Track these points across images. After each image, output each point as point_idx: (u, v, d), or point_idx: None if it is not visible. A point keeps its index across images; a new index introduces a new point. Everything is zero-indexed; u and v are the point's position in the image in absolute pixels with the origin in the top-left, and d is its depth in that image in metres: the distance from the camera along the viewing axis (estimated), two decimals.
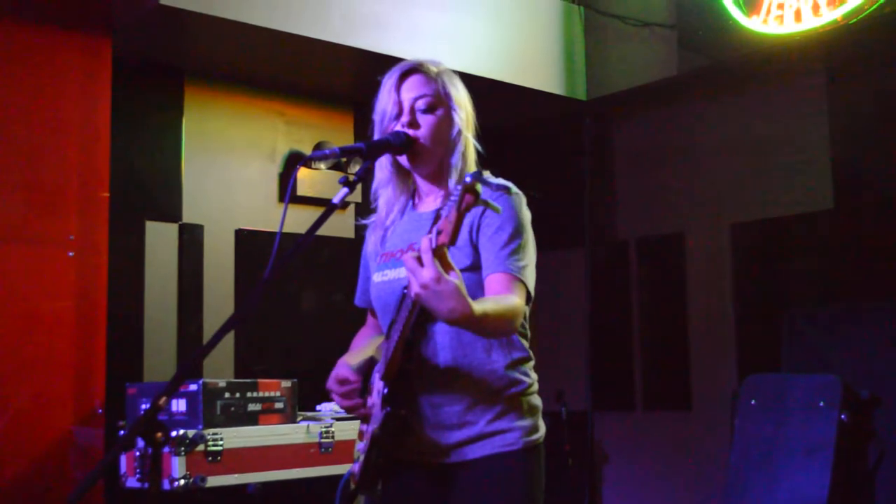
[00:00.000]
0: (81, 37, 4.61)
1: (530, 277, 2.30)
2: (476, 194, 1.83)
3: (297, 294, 5.79)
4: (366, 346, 2.62)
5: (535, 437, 2.41)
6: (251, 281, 5.47)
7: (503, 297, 2.20)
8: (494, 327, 2.16)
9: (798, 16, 5.14)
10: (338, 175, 5.64)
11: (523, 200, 2.40)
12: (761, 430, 4.51)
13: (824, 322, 4.94)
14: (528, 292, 2.28)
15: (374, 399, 2.36)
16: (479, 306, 2.01)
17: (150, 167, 5.30)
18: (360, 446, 2.49)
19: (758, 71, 5.63)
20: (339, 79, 5.72)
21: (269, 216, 5.64)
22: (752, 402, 4.56)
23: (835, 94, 5.46)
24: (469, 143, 2.49)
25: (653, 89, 5.95)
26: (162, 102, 5.40)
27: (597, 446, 6.32)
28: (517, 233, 2.30)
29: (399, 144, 2.41)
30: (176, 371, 2.05)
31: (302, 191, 5.65)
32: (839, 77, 5.44)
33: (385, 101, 2.47)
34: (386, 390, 2.28)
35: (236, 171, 5.63)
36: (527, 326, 2.44)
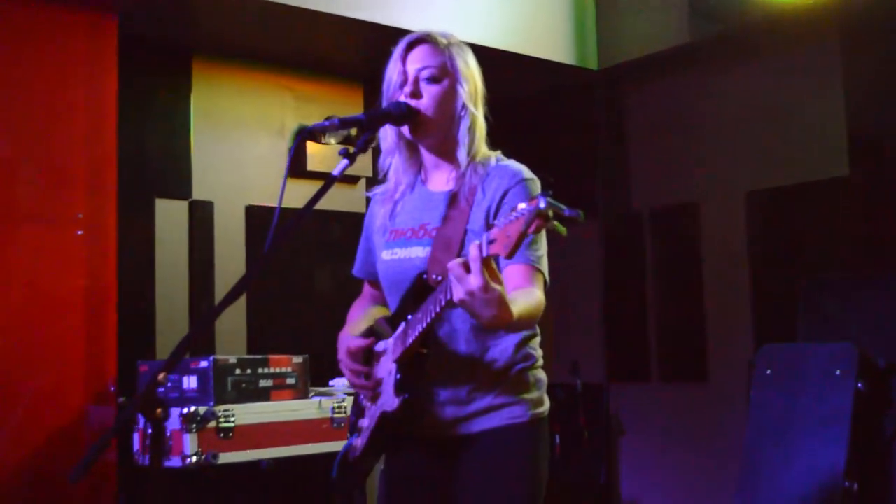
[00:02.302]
0: (87, 15, 4.59)
1: (545, 266, 2.33)
2: (548, 220, 1.80)
3: (308, 270, 5.78)
4: (362, 318, 2.62)
5: (540, 409, 2.43)
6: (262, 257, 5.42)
7: (528, 292, 2.20)
8: (524, 325, 2.22)
9: None
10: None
11: (538, 186, 2.38)
12: (777, 401, 4.46)
13: (841, 290, 4.88)
14: (545, 281, 2.31)
15: (385, 380, 2.35)
16: (517, 310, 2.02)
17: (160, 145, 5.29)
18: (364, 422, 2.49)
19: (771, 37, 5.54)
20: (348, 53, 5.68)
21: (279, 192, 5.58)
22: (768, 371, 4.51)
23: (849, 60, 5.36)
24: (476, 119, 2.46)
25: (665, 57, 5.87)
26: (170, 80, 5.38)
27: (612, 418, 6.29)
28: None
29: (399, 114, 2.39)
30: (175, 348, 2.04)
31: (312, 166, 5.63)
32: (854, 42, 5.34)
33: (391, 71, 2.46)
34: (399, 376, 2.27)
35: (246, 147, 5.60)
36: None
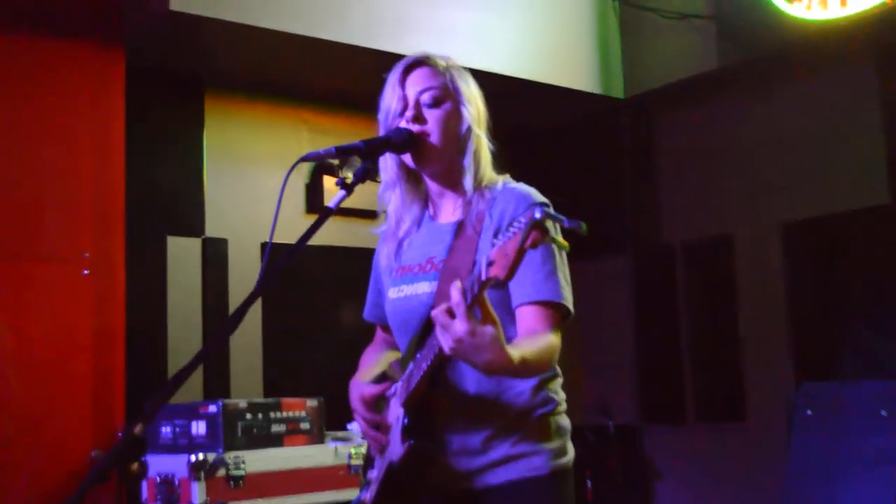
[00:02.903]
0: (92, 47, 4.51)
1: (569, 296, 2.17)
2: (545, 232, 1.68)
3: (328, 309, 5.62)
4: (374, 364, 2.48)
5: (563, 460, 2.26)
6: (278, 296, 5.32)
7: (539, 337, 2.07)
8: (531, 372, 2.07)
9: None
10: (371, 185, 5.48)
11: (549, 208, 2.22)
12: (819, 443, 4.36)
13: (884, 325, 4.74)
14: (567, 312, 2.15)
15: (393, 426, 2.22)
16: (516, 352, 1.89)
17: (171, 180, 5.18)
18: (373, 474, 2.35)
19: (803, 60, 5.45)
20: (365, 84, 5.51)
21: (296, 229, 5.37)
22: (809, 412, 4.36)
23: (886, 81, 5.26)
24: (482, 142, 2.31)
25: (693, 84, 5.80)
26: (182, 113, 5.30)
27: (647, 462, 6.18)
28: (550, 250, 2.15)
29: (401, 141, 2.24)
30: (153, 397, 1.85)
31: (330, 201, 5.46)
32: (891, 61, 5.25)
33: (389, 98, 2.31)
34: (406, 420, 2.14)
35: (260, 182, 5.47)
36: None
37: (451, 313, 1.80)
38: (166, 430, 4.29)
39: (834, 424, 4.30)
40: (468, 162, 2.27)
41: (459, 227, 2.28)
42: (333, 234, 4.49)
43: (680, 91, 5.93)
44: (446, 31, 5.33)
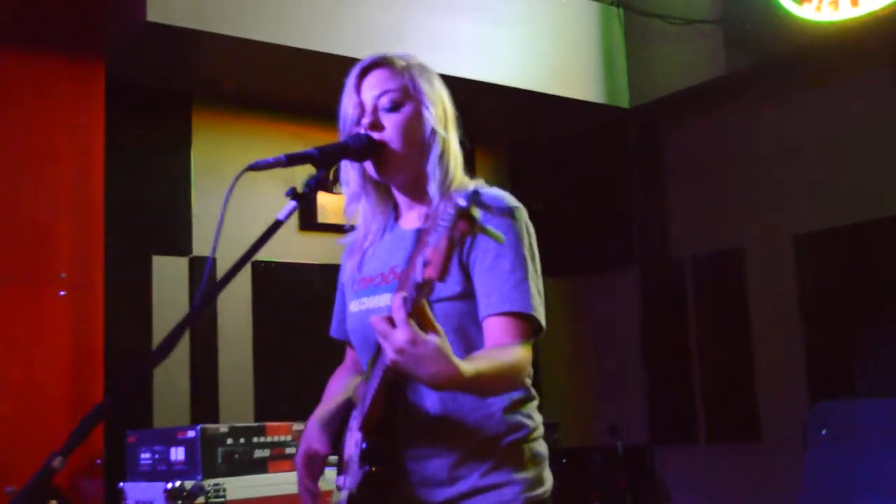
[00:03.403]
0: (70, 60, 4.40)
1: (540, 309, 2.02)
2: (472, 221, 1.56)
3: (322, 328, 5.46)
4: (340, 391, 2.32)
5: (538, 491, 2.08)
6: (270, 316, 5.17)
7: (502, 350, 1.94)
8: (492, 388, 1.93)
9: None
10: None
11: (524, 214, 2.08)
12: (835, 463, 4.16)
13: None
14: (538, 326, 2.01)
15: (353, 455, 2.05)
16: (469, 366, 1.75)
17: (157, 198, 5.06)
18: (339, 502, 2.16)
19: (815, 63, 5.33)
20: None
21: (289, 247, 5.35)
22: (823, 432, 4.13)
23: None
24: (449, 145, 2.14)
25: (701, 92, 5.71)
26: (169, 128, 5.19)
27: (658, 483, 6.03)
28: (521, 257, 2.00)
29: (360, 148, 2.09)
30: (81, 421, 1.68)
31: (323, 218, 5.39)
32: None
33: (346, 105, 2.17)
34: (364, 445, 1.97)
35: (251, 199, 5.31)
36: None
37: (391, 322, 1.68)
38: (145, 456, 4.16)
39: (850, 444, 4.05)
40: (432, 167, 2.11)
41: (420, 233, 2.10)
42: (329, 251, 4.37)
43: (687, 99, 5.84)
44: (445, 42, 5.20)
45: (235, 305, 5.19)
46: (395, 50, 5.03)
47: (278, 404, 5.16)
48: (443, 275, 1.58)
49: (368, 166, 2.13)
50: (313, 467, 2.12)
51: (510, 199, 2.08)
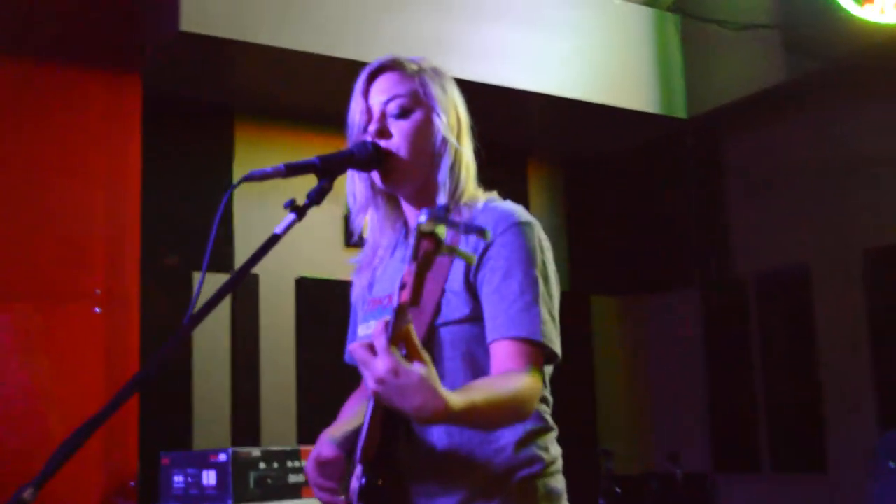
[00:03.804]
0: (105, 73, 4.38)
1: (553, 335, 1.89)
2: (436, 240, 1.48)
3: None
4: (354, 415, 2.19)
5: None
6: (314, 335, 5.06)
7: (506, 378, 1.81)
8: (490, 420, 1.79)
9: None
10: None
11: (536, 230, 1.94)
12: None
13: None
14: (551, 353, 1.89)
15: (354, 486, 1.92)
16: (460, 398, 1.63)
17: (198, 213, 4.95)
18: None
19: (880, 67, 5.09)
20: None
21: (334, 264, 5.23)
22: (891, 464, 3.92)
23: None
24: (461, 155, 2.02)
25: (761, 100, 5.50)
26: (211, 142, 5.11)
27: None
28: (532, 277, 1.88)
29: (365, 157, 1.97)
30: (57, 449, 1.55)
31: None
32: None
33: (353, 111, 2.07)
34: (364, 480, 1.84)
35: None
36: (546, 391, 1.99)
37: (372, 349, 1.58)
38: (178, 479, 4.07)
39: None
40: (443, 178, 1.99)
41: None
42: None
43: (747, 108, 5.64)
44: (491, 52, 5.06)
45: (278, 323, 5.09)
46: (439, 60, 4.86)
47: (322, 427, 5.03)
48: (416, 299, 1.49)
49: (375, 176, 2.01)
50: (325, 469, 1.99)
51: (521, 214, 1.94)
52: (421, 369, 1.56)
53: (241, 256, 5.04)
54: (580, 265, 6.00)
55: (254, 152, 5.17)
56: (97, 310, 4.21)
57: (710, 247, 6.03)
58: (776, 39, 5.20)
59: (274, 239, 1.90)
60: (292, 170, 1.94)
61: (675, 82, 5.72)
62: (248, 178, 2.04)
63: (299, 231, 5.11)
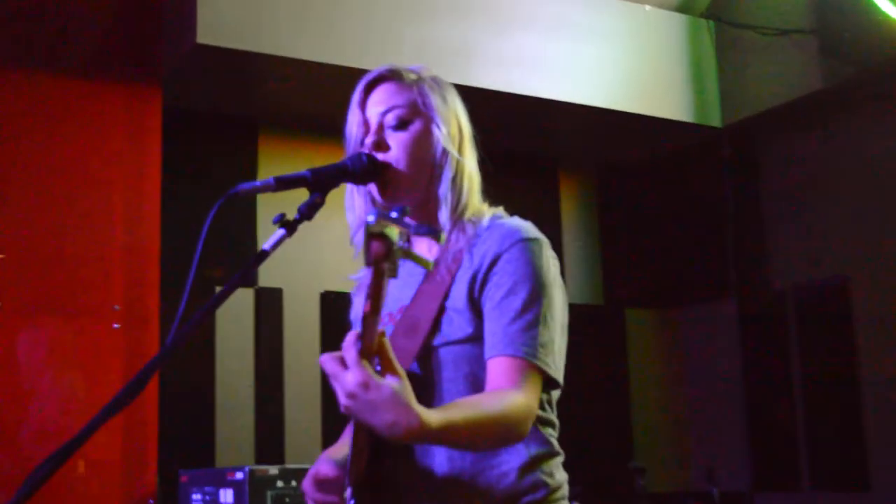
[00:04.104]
0: (124, 87, 4.38)
1: (553, 357, 1.83)
2: (387, 242, 1.40)
3: None
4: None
5: None
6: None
7: (494, 396, 1.76)
8: (472, 440, 1.73)
9: None
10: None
11: (545, 248, 1.88)
12: None
13: None
14: (550, 378, 1.83)
15: None
16: (437, 416, 1.58)
17: (221, 227, 4.89)
18: None
19: None
20: None
21: (348, 276, 5.15)
22: None
23: None
24: (463, 167, 1.97)
25: (799, 107, 5.35)
26: (234, 156, 5.08)
27: None
28: (535, 296, 1.82)
29: (360, 169, 1.93)
30: (32, 471, 1.49)
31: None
32: None
33: (350, 123, 2.02)
34: (352, 503, 1.78)
35: (320, 227, 5.14)
36: (552, 414, 1.94)
37: (343, 362, 1.54)
38: (196, 497, 4.04)
39: None
40: (444, 191, 1.94)
41: (434, 265, 1.95)
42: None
43: (785, 116, 5.49)
44: (519, 62, 4.97)
45: (303, 339, 5.03)
46: (463, 70, 4.80)
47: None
48: (375, 307, 1.43)
49: (373, 189, 1.96)
50: (323, 487, 1.92)
51: (528, 231, 1.88)
52: (393, 383, 1.50)
53: (265, 271, 4.98)
54: (614, 277, 5.89)
55: (278, 165, 5.11)
56: (116, 325, 4.19)
57: (747, 257, 5.90)
58: (813, 45, 5.09)
59: (262, 255, 1.87)
60: (282, 183, 1.91)
61: (709, 90, 5.60)
62: (236, 192, 1.99)
63: (324, 244, 5.05)
